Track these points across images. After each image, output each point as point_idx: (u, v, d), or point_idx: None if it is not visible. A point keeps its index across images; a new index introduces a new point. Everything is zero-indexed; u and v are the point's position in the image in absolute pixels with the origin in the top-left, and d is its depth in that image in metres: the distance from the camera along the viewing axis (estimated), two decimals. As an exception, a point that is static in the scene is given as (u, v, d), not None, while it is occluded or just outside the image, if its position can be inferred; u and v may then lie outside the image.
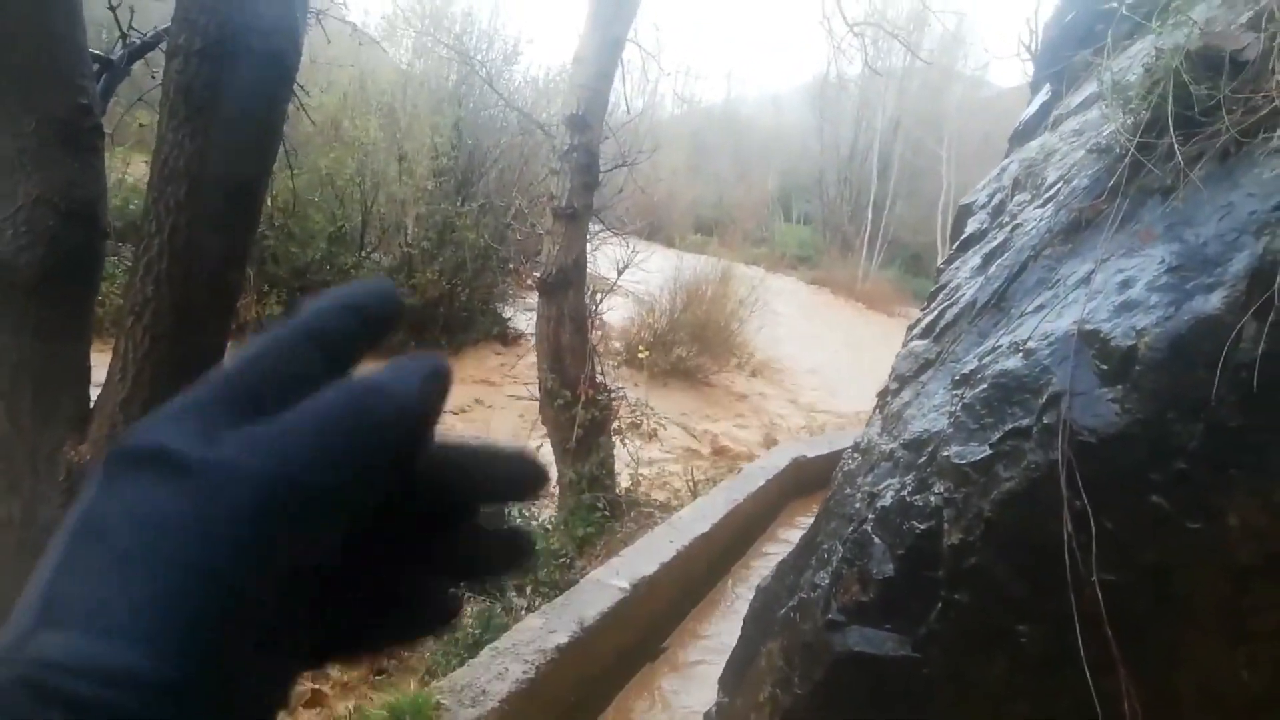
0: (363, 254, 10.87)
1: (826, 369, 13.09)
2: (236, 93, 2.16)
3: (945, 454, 1.76)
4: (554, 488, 5.92)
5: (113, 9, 2.72)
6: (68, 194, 2.17)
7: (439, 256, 10.75)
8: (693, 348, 11.49)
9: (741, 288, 12.61)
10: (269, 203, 8.28)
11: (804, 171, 25.66)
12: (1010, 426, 1.66)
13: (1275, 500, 1.38)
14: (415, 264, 10.69)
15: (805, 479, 6.40)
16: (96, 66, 2.60)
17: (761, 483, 5.82)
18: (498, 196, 11.18)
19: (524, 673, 3.03)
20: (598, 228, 7.64)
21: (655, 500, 6.16)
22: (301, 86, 3.45)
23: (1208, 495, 1.43)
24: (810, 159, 25.35)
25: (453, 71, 11.61)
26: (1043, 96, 4.07)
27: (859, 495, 2.05)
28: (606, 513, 5.51)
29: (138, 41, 2.71)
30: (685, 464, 7.17)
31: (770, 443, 8.26)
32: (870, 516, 1.91)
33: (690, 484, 6.42)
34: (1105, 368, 1.56)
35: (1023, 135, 3.73)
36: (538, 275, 5.84)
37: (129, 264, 2.55)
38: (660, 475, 6.93)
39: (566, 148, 5.64)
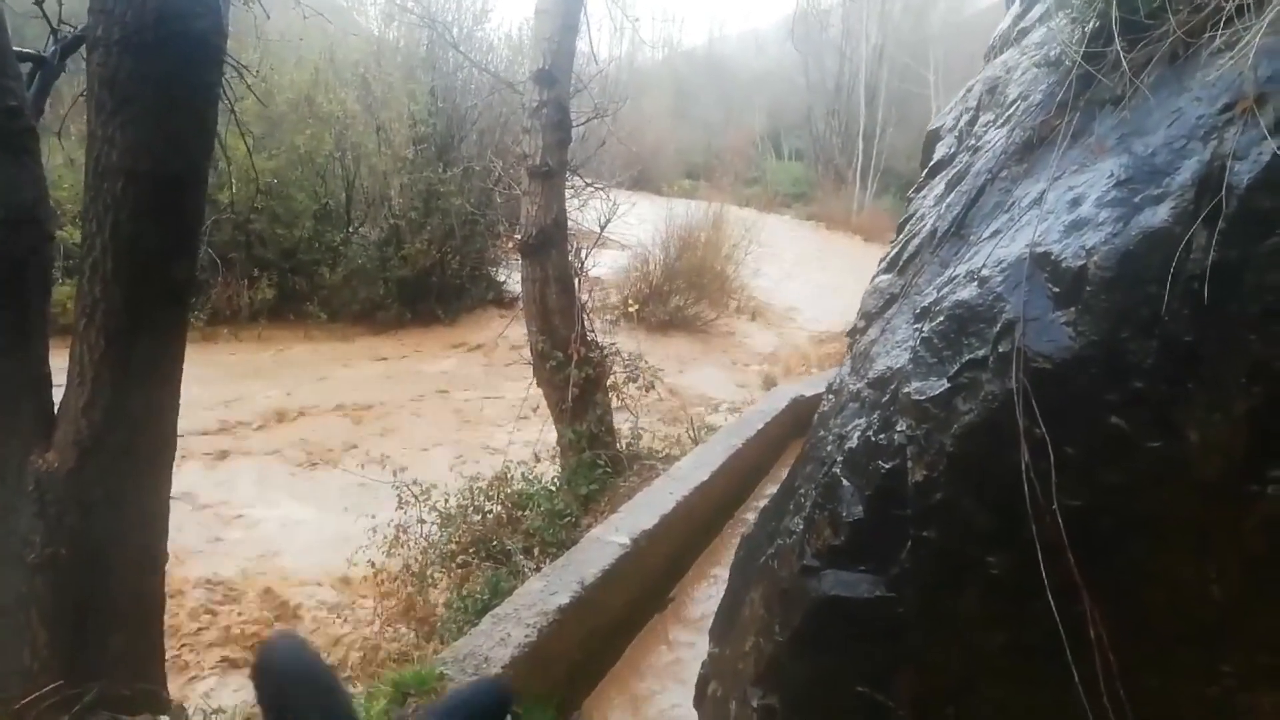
0: (350, 229, 10.81)
1: (825, 304, 13.00)
2: (163, 81, 2.11)
3: (906, 390, 1.73)
4: (555, 448, 5.94)
5: (39, 3, 2.64)
6: (6, 199, 2.13)
7: (426, 225, 10.68)
8: (690, 296, 11.43)
9: (735, 231, 12.49)
10: (249, 187, 8.21)
11: (791, 107, 25.29)
12: (967, 358, 1.63)
13: (1235, 413, 1.35)
14: (403, 235, 10.63)
15: (805, 418, 6.37)
16: (29, 65, 2.54)
17: (760, 426, 5.81)
18: (479, 160, 11.06)
19: (526, 636, 3.04)
20: (585, 181, 7.55)
21: (657, 452, 6.16)
22: (246, 67, 3.37)
23: (1167, 413, 1.40)
24: (797, 94, 24.97)
25: (424, 37, 11.40)
26: (1015, 9, 3.96)
27: (830, 438, 2.02)
28: (608, 469, 5.52)
29: (69, 36, 2.64)
30: (686, 412, 7.18)
31: (770, 384, 8.24)
32: (839, 459, 1.89)
33: (691, 432, 6.42)
34: (1057, 290, 1.52)
35: (995, 52, 3.63)
36: (518, 238, 5.78)
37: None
38: (661, 427, 6.93)
39: (536, 104, 5.54)
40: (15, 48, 2.34)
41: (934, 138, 3.06)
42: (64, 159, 7.35)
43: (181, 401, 2.40)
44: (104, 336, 2.15)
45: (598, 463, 5.47)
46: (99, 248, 2.12)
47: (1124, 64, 1.60)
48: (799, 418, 6.44)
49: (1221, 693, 1.46)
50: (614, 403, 6.05)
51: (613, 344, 6.29)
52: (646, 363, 6.44)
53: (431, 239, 10.59)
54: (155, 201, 2.15)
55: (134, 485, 2.27)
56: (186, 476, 5.38)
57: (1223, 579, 1.42)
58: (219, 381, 7.53)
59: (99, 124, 2.09)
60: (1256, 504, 1.36)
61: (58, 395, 2.29)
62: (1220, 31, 1.48)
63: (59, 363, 2.29)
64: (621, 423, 6.11)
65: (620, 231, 9.74)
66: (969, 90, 3.03)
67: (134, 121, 2.09)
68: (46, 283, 2.27)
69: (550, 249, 5.59)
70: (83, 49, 2.72)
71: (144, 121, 2.09)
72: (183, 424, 2.41)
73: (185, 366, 2.39)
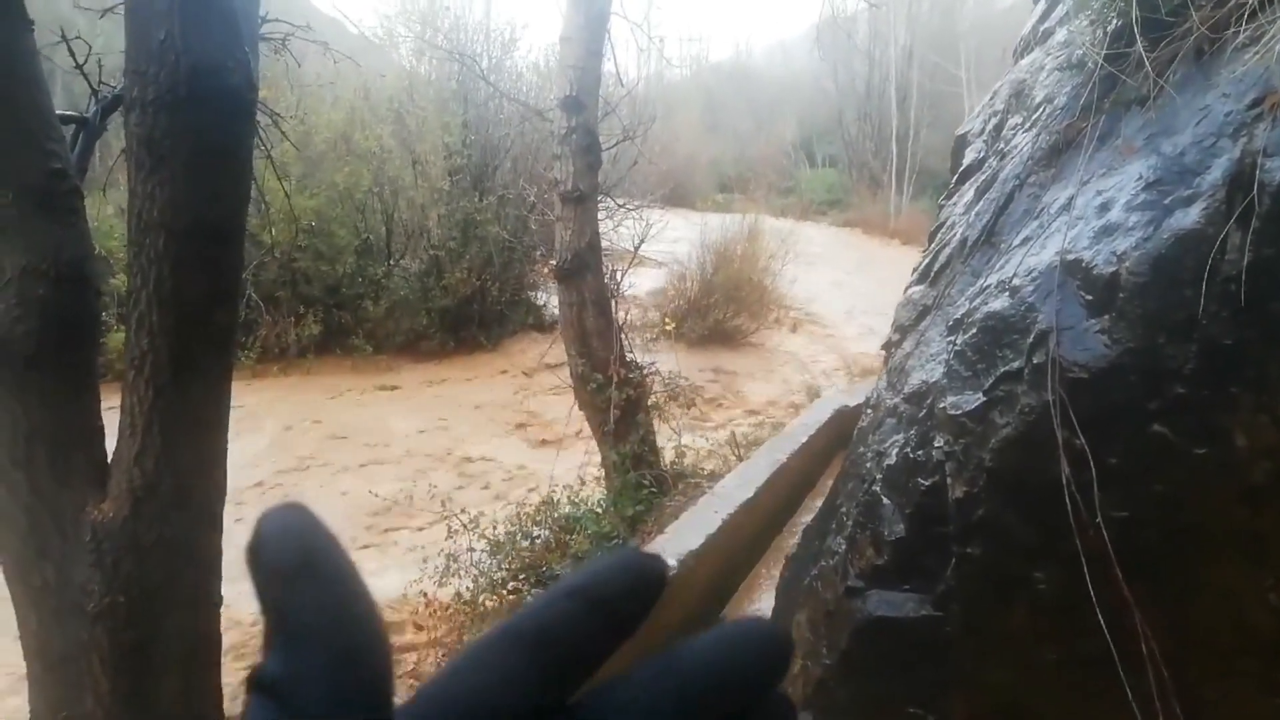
0: (391, 262, 10.99)
1: (866, 313, 12.87)
2: (198, 137, 2.17)
3: (942, 405, 1.71)
4: (599, 470, 5.95)
5: (79, 67, 2.74)
6: (55, 259, 2.20)
7: (465, 254, 10.80)
8: (729, 309, 11.39)
9: (771, 242, 12.44)
10: (290, 227, 8.41)
11: (822, 114, 25.16)
12: (1002, 370, 1.60)
13: (1281, 415, 1.31)
14: (443, 265, 10.77)
15: (849, 429, 6.30)
16: (72, 126, 2.63)
17: (804, 439, 5.75)
18: (514, 187, 11.19)
19: (577, 663, 3.04)
20: (618, 202, 7.60)
21: (703, 470, 6.14)
22: (280, 115, 3.46)
23: (1211, 417, 1.37)
24: (827, 100, 24.85)
25: (456, 69, 11.59)
26: (1040, 8, 3.91)
27: (869, 454, 2.00)
28: (654, 489, 5.51)
29: (108, 96, 2.73)
30: (730, 429, 7.14)
31: (814, 396, 8.17)
32: (879, 476, 1.87)
33: (735, 448, 6.39)
34: (1090, 298, 1.49)
35: (1021, 53, 3.59)
36: (553, 263, 5.82)
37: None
38: (706, 443, 6.90)
39: (565, 130, 5.59)
40: (60, 111, 2.43)
41: (963, 142, 3.03)
42: (115, 209, 7.63)
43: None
44: (152, 387, 2.21)
45: (643, 483, 5.46)
46: (144, 301, 2.18)
47: (1147, 64, 1.57)
48: (843, 428, 6.37)
49: (1286, 704, 1.41)
50: (655, 422, 6.05)
51: (652, 363, 6.29)
52: (687, 380, 6.44)
53: (471, 267, 10.71)
54: (196, 254, 2.20)
55: (187, 529, 2.32)
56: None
57: (1281, 587, 1.38)
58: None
59: (138, 181, 2.15)
60: (1311, 508, 1.32)
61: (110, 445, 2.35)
62: (1244, 26, 1.45)
63: (110, 411, 2.36)
64: (664, 441, 6.11)
65: (657, 249, 9.77)
66: (995, 93, 3.00)
67: (172, 178, 2.14)
68: (94, 337, 2.34)
69: (585, 272, 5.63)
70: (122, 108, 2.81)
71: (181, 177, 2.14)
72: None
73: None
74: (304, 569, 0.26)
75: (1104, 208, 1.55)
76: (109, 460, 2.30)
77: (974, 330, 1.72)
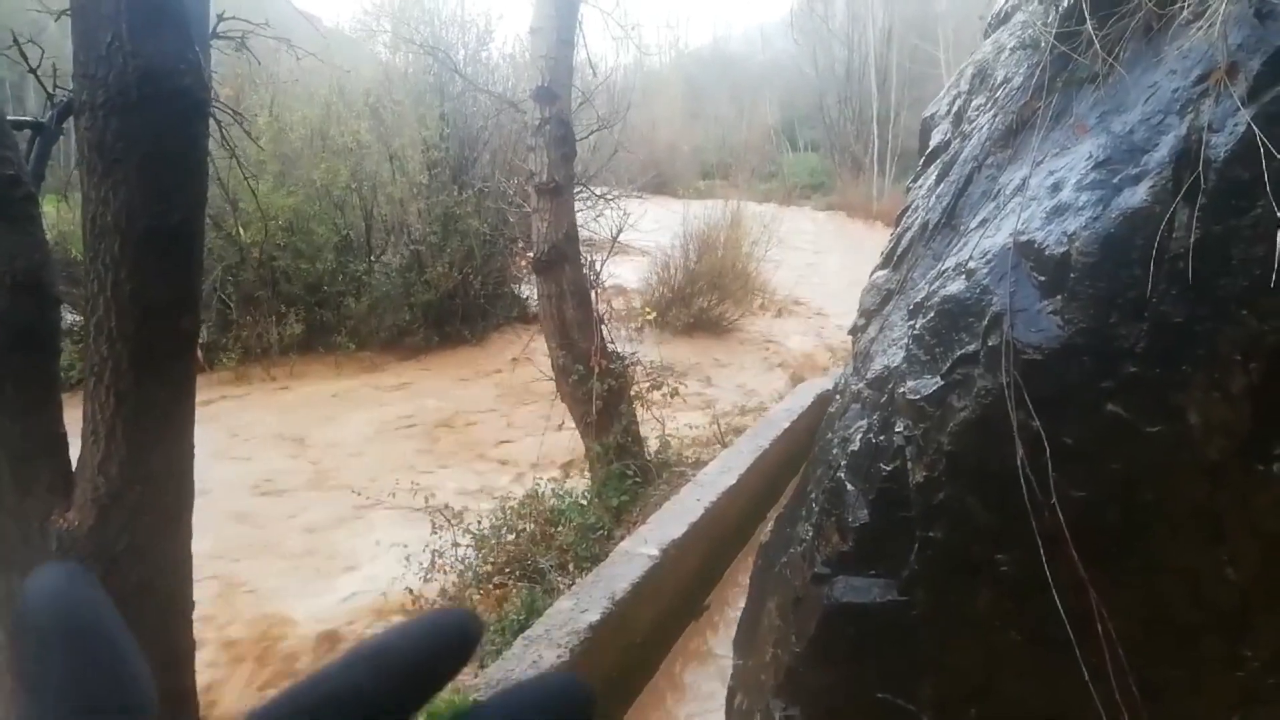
0: (371, 258, 10.92)
1: (849, 296, 12.87)
2: (150, 139, 2.14)
3: (902, 390, 1.70)
4: (584, 460, 5.94)
5: (33, 71, 2.70)
6: (10, 267, 2.17)
7: (446, 248, 10.75)
8: (712, 297, 11.37)
9: (754, 228, 12.41)
10: (264, 227, 8.34)
11: (803, 98, 25.12)
12: (959, 354, 1.60)
13: (1234, 391, 1.31)
14: (424, 260, 10.71)
15: (833, 413, 6.32)
16: (27, 131, 2.60)
17: (786, 425, 5.75)
18: (492, 180, 11.13)
19: (559, 657, 3.03)
20: (596, 193, 7.56)
21: (687, 458, 6.13)
22: (241, 114, 3.42)
23: (1164, 395, 1.37)
24: (808, 84, 24.79)
25: (432, 62, 11.50)
26: (1009, -14, 3.90)
27: (835, 440, 2.00)
28: (638, 479, 5.51)
29: (63, 101, 2.69)
30: (713, 417, 7.14)
31: (797, 381, 8.18)
32: (843, 462, 1.86)
33: (719, 435, 6.38)
34: (1043, 279, 1.49)
35: (990, 32, 3.58)
36: (531, 256, 5.79)
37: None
38: (690, 432, 6.90)
39: (539, 122, 5.55)
40: (14, 117, 2.40)
41: (929, 124, 3.02)
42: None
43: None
44: (114, 393, 2.18)
45: (626, 473, 5.45)
46: (103, 306, 2.16)
47: (1096, 42, 1.57)
48: (825, 413, 6.38)
49: (1248, 677, 1.42)
50: (640, 412, 6.03)
51: (634, 353, 6.27)
52: (671, 371, 6.43)
53: (452, 261, 10.65)
54: (154, 257, 2.18)
55: (156, 536, 2.30)
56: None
57: (1239, 562, 1.38)
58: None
59: (91, 186, 2.12)
60: (1266, 482, 1.32)
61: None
62: (1190, 1, 1.44)
63: (73, 417, 2.34)
64: (648, 431, 6.09)
65: (640, 238, 9.74)
66: (961, 74, 2.98)
67: (125, 181, 2.12)
68: (54, 345, 2.31)
69: (564, 264, 5.59)
70: (79, 112, 2.77)
71: (135, 180, 2.12)
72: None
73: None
74: (57, 629, 0.27)
75: (1055, 188, 1.54)
76: (73, 468, 2.28)
77: (932, 314, 1.71)
